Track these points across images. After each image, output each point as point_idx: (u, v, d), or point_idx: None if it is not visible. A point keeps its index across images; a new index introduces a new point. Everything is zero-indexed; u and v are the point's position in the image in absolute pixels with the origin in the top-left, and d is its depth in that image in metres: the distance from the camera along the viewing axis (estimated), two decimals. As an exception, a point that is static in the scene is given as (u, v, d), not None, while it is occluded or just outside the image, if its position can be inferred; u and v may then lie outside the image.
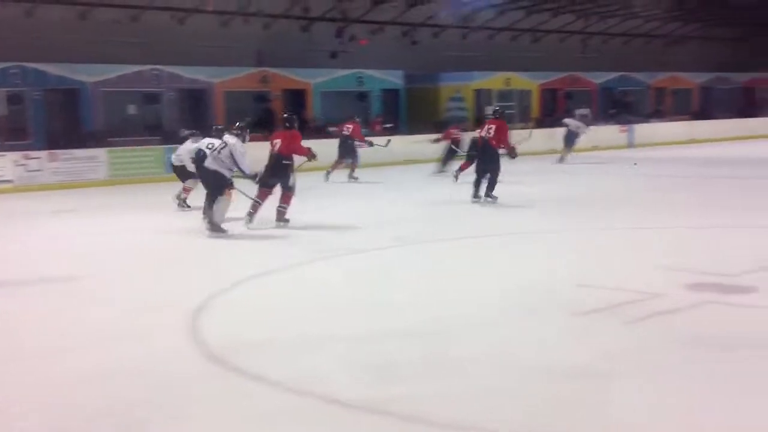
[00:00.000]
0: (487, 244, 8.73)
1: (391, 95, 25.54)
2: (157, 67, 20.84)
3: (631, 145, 25.26)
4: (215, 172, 9.40)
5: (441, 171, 17.18)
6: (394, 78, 25.66)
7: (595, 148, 25.13)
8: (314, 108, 23.96)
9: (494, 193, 11.84)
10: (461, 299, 6.04)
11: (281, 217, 10.09)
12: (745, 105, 35.34)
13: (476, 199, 11.85)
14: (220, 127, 11.52)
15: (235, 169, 9.47)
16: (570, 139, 20.31)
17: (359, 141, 16.73)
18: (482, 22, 28.89)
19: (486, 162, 11.88)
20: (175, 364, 4.67)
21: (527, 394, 3.98)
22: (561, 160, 19.82)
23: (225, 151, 9.44)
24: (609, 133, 26.95)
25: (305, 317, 5.65)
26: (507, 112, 28.09)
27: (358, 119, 17.60)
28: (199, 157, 9.88)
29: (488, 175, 11.87)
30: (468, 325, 5.30)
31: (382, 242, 8.72)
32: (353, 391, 4.10)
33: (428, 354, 4.68)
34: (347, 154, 16.79)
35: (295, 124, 10.59)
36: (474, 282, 6.65)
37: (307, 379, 4.28)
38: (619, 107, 30.34)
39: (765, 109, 35.07)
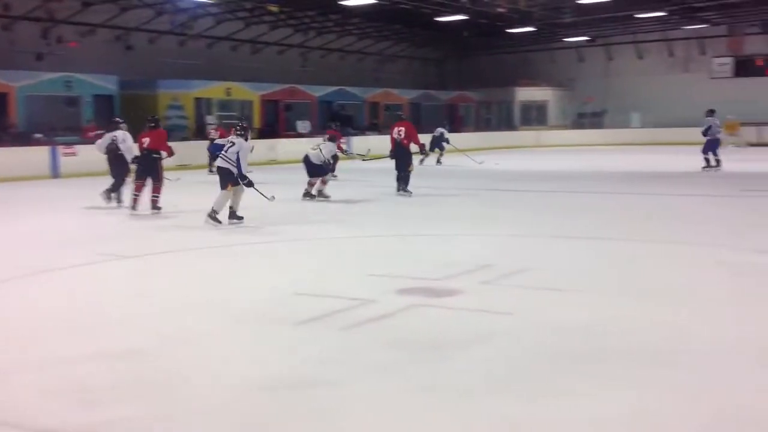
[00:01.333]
0: (207, 256, 8.55)
1: (104, 101, 24.21)
2: None
3: (350, 155, 26.14)
4: (223, 169, 10.58)
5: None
6: (107, 83, 24.37)
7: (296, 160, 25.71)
8: (18, 113, 22.07)
9: (408, 188, 14.01)
10: (174, 314, 5.81)
11: (155, 205, 11.89)
12: (450, 121, 38.26)
13: (400, 193, 14.03)
14: (119, 120, 13.40)
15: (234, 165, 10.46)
16: (439, 143, 23.10)
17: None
18: (200, 30, 28.48)
19: (399, 160, 13.95)
20: None
21: (240, 409, 3.89)
22: (438, 161, 23.03)
23: (232, 150, 10.47)
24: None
25: None
26: (228, 122, 28.05)
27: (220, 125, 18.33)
28: (111, 148, 12.71)
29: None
30: (181, 341, 5.10)
31: (85, 258, 8.17)
32: (57, 420, 3.76)
33: (138, 374, 4.42)
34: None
35: (160, 124, 13.03)
36: (190, 296, 6.44)
37: (3, 410, 3.86)
38: (338, 120, 31.38)
39: (466, 124, 38.31)
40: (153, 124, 12.47)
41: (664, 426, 3.63)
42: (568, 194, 14.78)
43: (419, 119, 36.63)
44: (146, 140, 12.10)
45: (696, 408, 3.82)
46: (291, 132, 29.02)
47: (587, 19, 33.11)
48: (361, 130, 31.32)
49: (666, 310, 5.70)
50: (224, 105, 28.26)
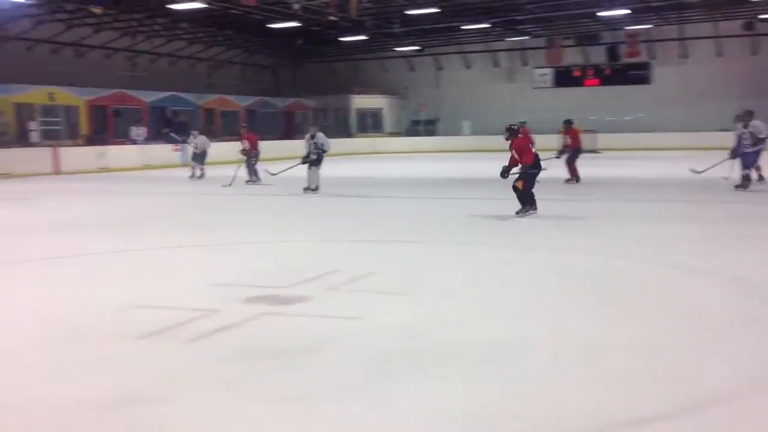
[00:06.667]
0: (33, 269, 8.03)
1: None
2: None
3: (185, 163, 25.54)
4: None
5: None
6: None
7: (147, 167, 24.91)
8: None
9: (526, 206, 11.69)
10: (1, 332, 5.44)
11: None
12: (286, 128, 38.17)
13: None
14: None
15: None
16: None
17: None
18: (18, 32, 26.84)
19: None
20: None
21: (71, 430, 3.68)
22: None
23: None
24: (162, 152, 26.98)
25: None
26: (54, 128, 26.56)
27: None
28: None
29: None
30: (7, 361, 4.79)
31: None
32: None
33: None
34: None
35: None
36: (15, 311, 6.03)
37: None
38: (172, 126, 30.53)
39: (302, 131, 38.25)
40: None
41: (500, 420, 3.79)
42: (407, 200, 15.12)
43: (256, 126, 36.30)
44: None
45: (529, 404, 4.01)
46: (123, 139, 27.95)
47: (416, 29, 34.07)
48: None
49: (500, 310, 5.96)
50: (48, 110, 26.79)
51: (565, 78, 38.44)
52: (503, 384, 4.25)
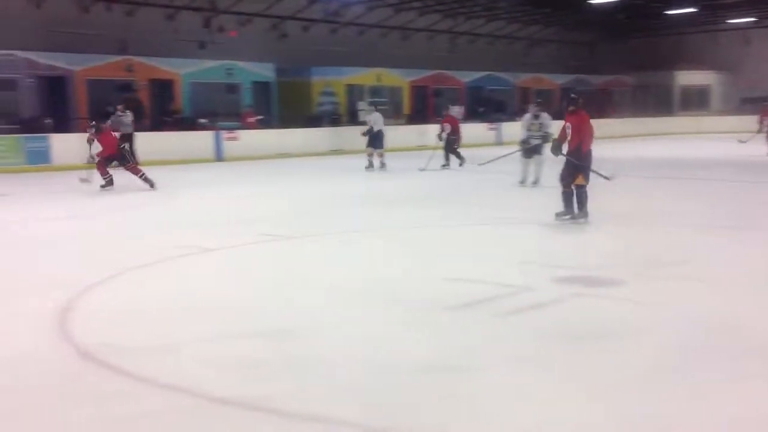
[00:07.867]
0: (351, 239, 8.69)
1: (262, 88, 25.19)
2: (12, 52, 19.71)
3: (499, 142, 25.98)
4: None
5: None
6: (264, 70, 25.33)
7: (463, 145, 25.59)
8: (183, 99, 23.31)
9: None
10: (323, 296, 5.97)
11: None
12: (602, 106, 37.01)
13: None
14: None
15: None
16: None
17: None
18: (351, 17, 28.98)
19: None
20: (42, 362, 4.44)
21: (385, 389, 3.94)
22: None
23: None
24: (478, 130, 27.61)
25: (168, 316, 5.44)
26: (380, 108, 28.26)
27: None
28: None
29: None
30: (330, 322, 5.23)
31: (248, 238, 8.53)
32: (224, 390, 3.96)
33: (291, 352, 4.58)
34: None
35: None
36: (337, 278, 6.57)
37: (178, 378, 4.13)
38: (488, 105, 31.10)
39: (620, 110, 36.93)
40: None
41: None
42: (734, 184, 14.01)
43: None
44: None
45: None
46: (440, 118, 29.14)
47: (753, -2, 31.18)
48: (512, 116, 30.91)
49: None
50: (375, 91, 28.71)
51: None
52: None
